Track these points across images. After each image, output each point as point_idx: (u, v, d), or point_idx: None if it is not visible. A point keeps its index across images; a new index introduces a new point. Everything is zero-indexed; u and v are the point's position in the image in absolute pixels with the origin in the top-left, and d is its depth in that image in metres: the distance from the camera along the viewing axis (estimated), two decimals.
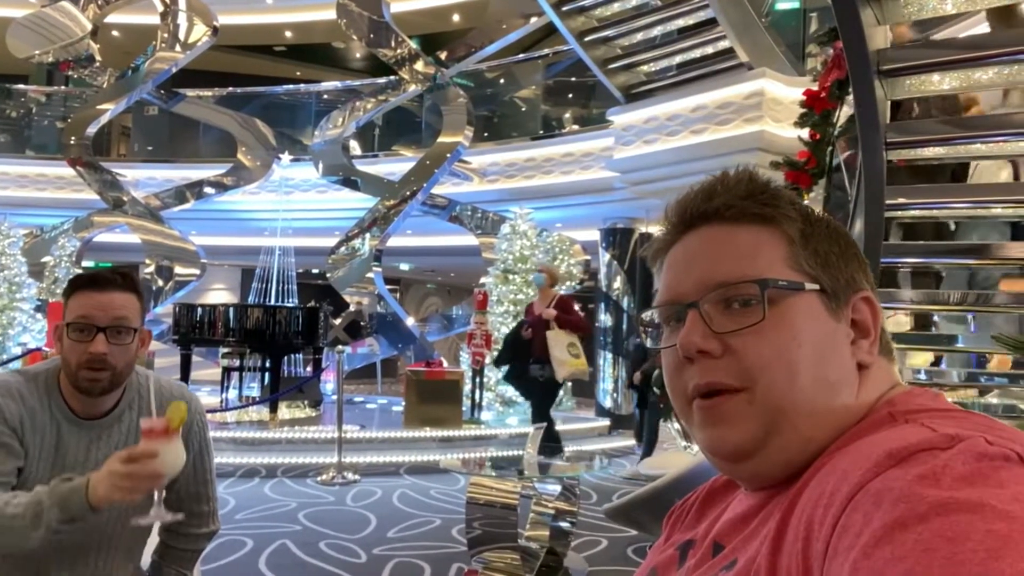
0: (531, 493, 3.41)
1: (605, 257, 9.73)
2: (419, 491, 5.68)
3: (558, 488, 3.32)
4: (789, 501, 0.58)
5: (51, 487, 1.35)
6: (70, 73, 11.79)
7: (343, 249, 9.76)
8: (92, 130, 10.44)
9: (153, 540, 1.72)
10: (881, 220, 2.86)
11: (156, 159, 12.85)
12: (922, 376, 3.54)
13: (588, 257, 10.09)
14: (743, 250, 0.65)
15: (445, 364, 9.14)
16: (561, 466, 3.73)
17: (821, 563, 0.50)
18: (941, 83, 2.98)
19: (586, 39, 7.88)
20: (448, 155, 9.50)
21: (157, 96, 11.12)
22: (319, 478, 5.92)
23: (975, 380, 3.58)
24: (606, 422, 8.78)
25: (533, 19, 9.42)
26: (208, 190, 10.90)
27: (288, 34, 15.30)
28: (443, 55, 10.06)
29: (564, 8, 7.71)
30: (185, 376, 7.75)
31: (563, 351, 5.64)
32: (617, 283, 9.60)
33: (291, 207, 10.34)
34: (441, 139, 9.75)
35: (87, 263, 11.54)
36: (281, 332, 7.73)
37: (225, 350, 8.64)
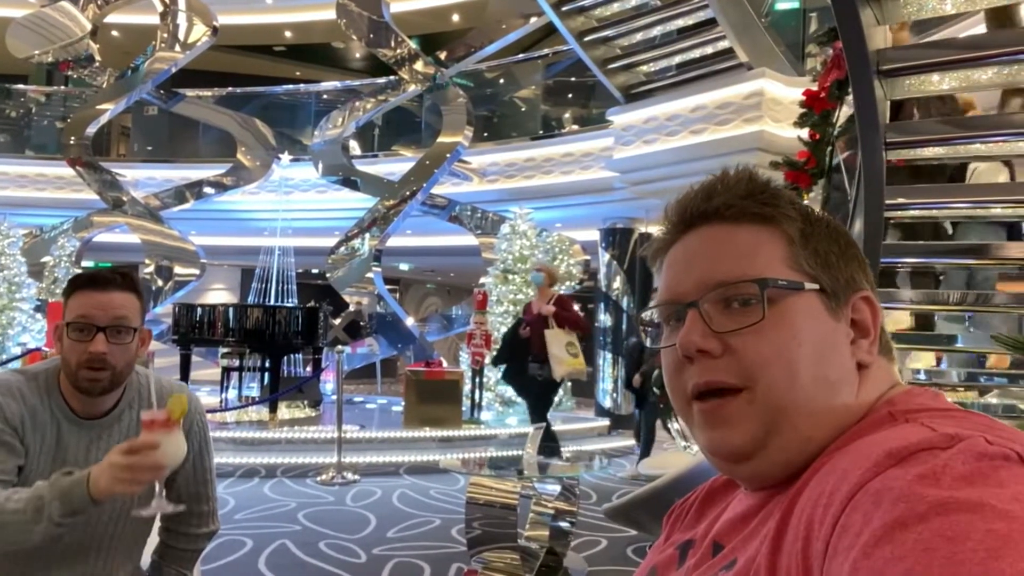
0: (531, 493, 3.40)
1: (605, 257, 9.73)
2: (419, 491, 5.68)
3: (558, 488, 3.32)
4: (789, 501, 0.58)
5: (52, 481, 1.34)
6: (70, 73, 11.78)
7: (343, 249, 9.77)
8: (92, 130, 10.44)
9: (153, 540, 1.72)
10: (881, 220, 2.86)
11: (156, 159, 12.85)
12: (921, 376, 3.54)
13: (588, 257, 10.09)
14: (743, 250, 0.65)
15: (445, 364, 9.14)
16: (561, 466, 3.73)
17: (821, 562, 0.50)
18: (940, 83, 2.98)
19: (586, 39, 7.88)
20: (448, 155, 9.51)
21: (157, 96, 11.12)
22: (319, 478, 5.92)
23: (974, 380, 3.58)
24: (606, 422, 8.78)
25: (533, 19, 9.42)
26: (208, 190, 10.90)
27: (288, 34, 15.30)
28: (443, 55, 10.06)
29: (564, 8, 7.72)
30: (185, 376, 7.75)
31: (561, 350, 5.63)
32: (617, 283, 9.60)
33: (291, 207, 10.34)
34: (441, 139, 9.76)
35: (87, 263, 11.54)
36: (281, 332, 7.73)
37: (225, 350, 8.64)
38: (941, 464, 0.48)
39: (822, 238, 0.66)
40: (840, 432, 0.61)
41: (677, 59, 7.94)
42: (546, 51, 11.32)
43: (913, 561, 0.43)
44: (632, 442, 7.75)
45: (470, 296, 10.12)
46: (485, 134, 10.98)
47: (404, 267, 15.83)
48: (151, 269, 10.47)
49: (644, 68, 8.12)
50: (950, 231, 3.91)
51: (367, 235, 9.60)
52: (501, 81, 12.07)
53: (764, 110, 6.80)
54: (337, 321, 9.62)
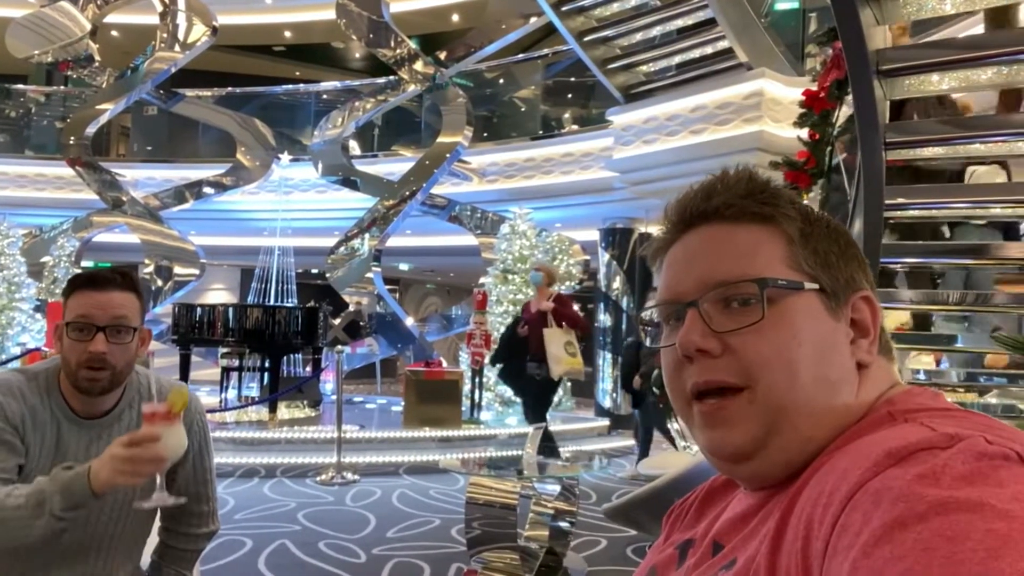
0: (530, 493, 3.40)
1: (604, 257, 9.73)
2: (418, 491, 5.68)
3: (557, 488, 3.32)
4: (788, 500, 0.58)
5: (52, 475, 1.34)
6: (69, 73, 11.78)
7: (342, 249, 9.77)
8: (91, 130, 10.44)
9: (153, 540, 1.72)
10: (880, 220, 2.86)
11: (155, 159, 12.85)
12: (921, 376, 3.55)
13: (587, 257, 10.09)
14: (742, 249, 0.65)
15: (444, 364, 9.14)
16: (560, 466, 3.73)
17: (820, 562, 0.50)
18: (940, 83, 2.98)
19: (585, 39, 7.88)
20: (447, 155, 9.50)
21: (156, 96, 11.12)
22: (318, 478, 5.92)
23: (974, 380, 3.59)
24: (605, 422, 8.78)
25: (532, 19, 9.42)
26: (207, 190, 10.89)
27: (287, 34, 15.30)
28: (442, 55, 10.06)
29: (563, 8, 7.72)
30: (184, 376, 7.75)
31: (560, 349, 5.62)
32: (616, 283, 9.60)
33: (290, 207, 10.34)
34: (440, 139, 9.75)
35: (86, 263, 11.53)
36: (280, 332, 7.73)
37: (224, 350, 8.64)
38: (941, 464, 0.48)
39: (822, 238, 0.66)
40: (840, 432, 0.61)
41: (677, 59, 7.94)
42: (546, 51, 11.32)
43: (913, 561, 0.43)
44: (632, 442, 7.75)
45: (470, 296, 10.12)
46: (485, 134, 10.98)
47: (404, 267, 15.83)
48: (151, 269, 10.47)
49: (644, 68, 8.12)
50: (947, 235, 3.91)
51: (367, 235, 9.60)
52: (501, 81, 12.07)
53: (764, 110, 6.81)
54: (337, 321, 9.62)
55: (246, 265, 13.12)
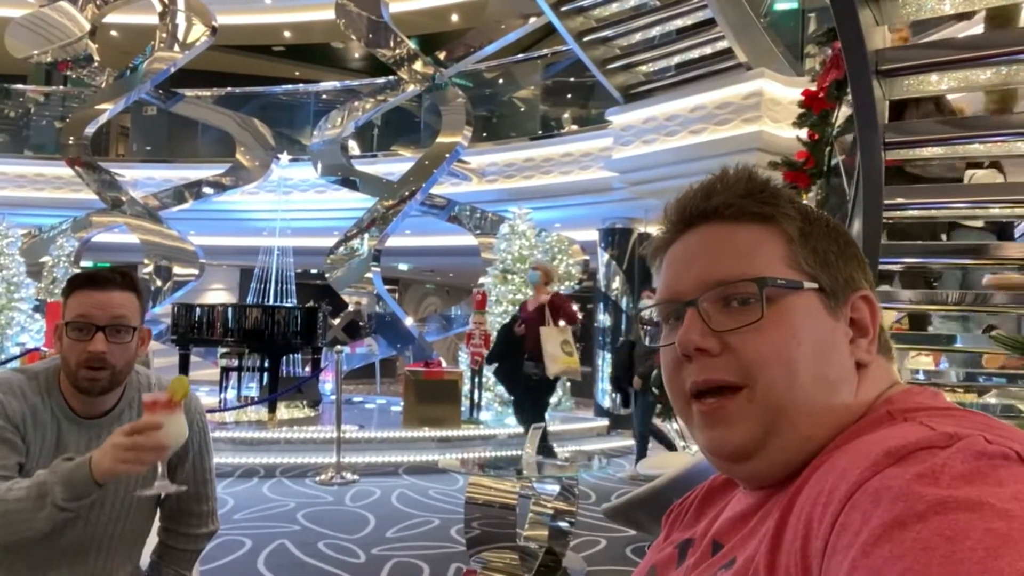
0: (530, 493, 3.40)
1: (604, 257, 9.73)
2: (418, 491, 5.68)
3: (557, 488, 3.32)
4: (788, 500, 0.58)
5: (52, 467, 1.34)
6: (68, 73, 11.78)
7: (342, 249, 9.76)
8: (90, 130, 10.44)
9: (152, 540, 1.72)
10: (879, 220, 2.86)
11: (155, 159, 12.85)
12: (920, 376, 3.55)
13: (587, 257, 10.09)
14: (742, 249, 0.65)
15: (444, 364, 9.14)
16: (559, 466, 3.73)
17: (820, 561, 0.50)
18: (939, 83, 2.98)
19: (585, 39, 7.89)
20: (447, 155, 9.51)
21: (156, 96, 11.11)
22: (318, 478, 5.92)
23: (972, 380, 3.58)
24: (605, 422, 8.78)
25: (532, 19, 9.42)
26: (207, 190, 10.89)
27: (287, 34, 15.30)
28: (442, 55, 10.07)
29: (563, 8, 7.72)
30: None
31: (556, 347, 5.61)
32: (616, 283, 9.60)
33: (290, 207, 10.35)
34: (440, 139, 9.76)
35: (86, 263, 11.53)
36: (280, 332, 7.73)
37: (224, 350, 8.64)
38: (940, 463, 0.48)
39: (821, 237, 0.67)
40: (839, 431, 0.61)
41: (676, 59, 7.95)
42: (545, 51, 11.32)
43: (912, 560, 0.43)
44: (631, 442, 7.75)
45: (469, 296, 10.12)
46: (484, 134, 10.99)
47: (403, 267, 15.83)
48: (150, 269, 10.47)
49: (643, 68, 8.13)
50: (944, 239, 3.91)
51: (366, 235, 9.60)
52: (500, 81, 12.07)
53: (763, 110, 6.81)
54: (336, 321, 9.62)
55: (245, 265, 13.12)
